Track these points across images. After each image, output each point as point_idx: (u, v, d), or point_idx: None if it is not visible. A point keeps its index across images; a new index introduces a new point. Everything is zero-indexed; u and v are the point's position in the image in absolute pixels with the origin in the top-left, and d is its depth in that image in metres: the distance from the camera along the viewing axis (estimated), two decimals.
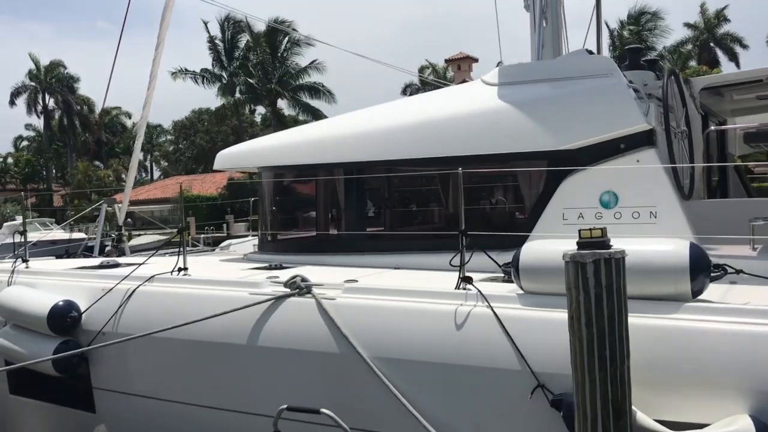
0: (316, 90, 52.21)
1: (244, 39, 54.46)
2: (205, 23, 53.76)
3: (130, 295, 6.89)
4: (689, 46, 56.73)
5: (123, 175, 72.97)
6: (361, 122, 7.98)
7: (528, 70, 7.42)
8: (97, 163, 70.32)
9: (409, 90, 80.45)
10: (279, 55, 52.87)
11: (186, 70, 54.32)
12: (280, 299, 6.04)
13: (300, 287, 6.02)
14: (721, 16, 58.89)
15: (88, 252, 13.29)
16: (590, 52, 7.93)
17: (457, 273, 5.53)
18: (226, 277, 6.84)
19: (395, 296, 5.64)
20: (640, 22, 46.93)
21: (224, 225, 42.43)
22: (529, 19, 10.32)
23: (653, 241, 5.02)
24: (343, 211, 7.92)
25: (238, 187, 54.94)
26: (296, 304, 5.97)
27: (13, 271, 8.23)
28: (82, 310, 7.07)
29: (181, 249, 7.18)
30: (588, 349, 4.07)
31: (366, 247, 7.53)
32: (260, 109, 68.39)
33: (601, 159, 6.33)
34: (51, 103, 72.44)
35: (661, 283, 4.75)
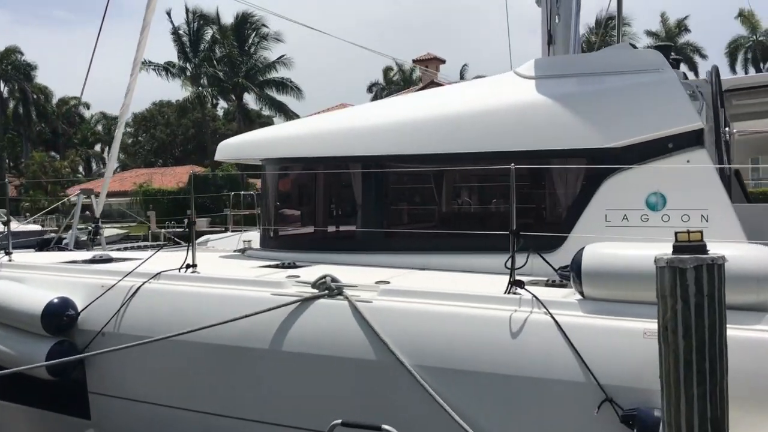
0: (284, 85, 51.44)
1: (210, 32, 53.39)
2: (168, 13, 52.61)
3: (134, 293, 6.35)
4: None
5: (80, 167, 71.32)
6: (383, 114, 7.53)
7: (567, 64, 7.06)
8: (53, 154, 68.44)
9: (374, 89, 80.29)
10: (246, 48, 51.97)
11: (150, 62, 53.06)
12: (307, 301, 5.57)
13: (330, 288, 5.57)
14: (681, 26, 59.81)
15: (60, 246, 12.60)
16: (634, 47, 7.60)
17: (487, 275, 5.16)
18: (241, 276, 6.34)
19: (439, 300, 5.22)
20: (608, 27, 47.10)
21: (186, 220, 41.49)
22: (541, 15, 10.06)
23: (729, 246, 4.69)
24: (360, 207, 7.45)
25: (201, 181, 53.99)
26: (326, 306, 5.52)
27: (2, 264, 7.60)
28: (80, 308, 6.51)
29: (191, 243, 6.65)
30: (685, 363, 3.71)
31: (387, 246, 7.07)
32: (222, 104, 67.40)
33: (648, 158, 5.99)
34: (5, 91, 70.18)
35: (741, 292, 4.42)
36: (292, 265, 7.03)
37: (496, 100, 6.78)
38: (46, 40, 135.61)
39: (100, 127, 78.14)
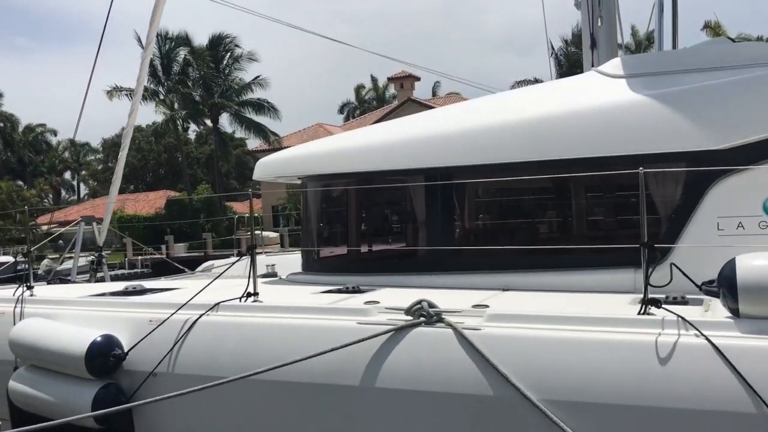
0: (261, 106, 50.69)
1: (182, 53, 52.54)
2: (138, 37, 51.68)
3: (190, 328, 5.64)
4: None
5: (50, 195, 69.58)
6: (447, 123, 6.93)
7: (660, 60, 6.54)
8: (20, 183, 66.81)
9: (346, 109, 79.90)
10: (221, 69, 51.21)
11: (121, 87, 52.02)
12: (403, 330, 4.91)
13: (429, 314, 4.91)
14: (651, 38, 60.32)
15: (63, 278, 11.77)
16: (732, 41, 7.11)
17: (589, 294, 4.55)
18: (316, 304, 5.67)
19: (562, 324, 4.59)
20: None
21: (164, 246, 40.43)
22: (580, 17, 9.61)
23: None
24: (424, 224, 6.82)
25: (177, 206, 52.89)
26: (425, 335, 4.86)
27: (19, 301, 6.83)
28: (126, 346, 5.79)
29: (252, 269, 5.95)
30: None
31: (459, 265, 6.45)
32: (193, 127, 66.43)
33: (763, 159, 5.46)
34: None
35: None
36: (357, 290, 6.37)
37: (583, 102, 6.21)
38: (9, 69, 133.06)
39: (68, 154, 76.58)
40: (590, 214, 6.40)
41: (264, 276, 9.97)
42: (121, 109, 52.07)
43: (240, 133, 58.55)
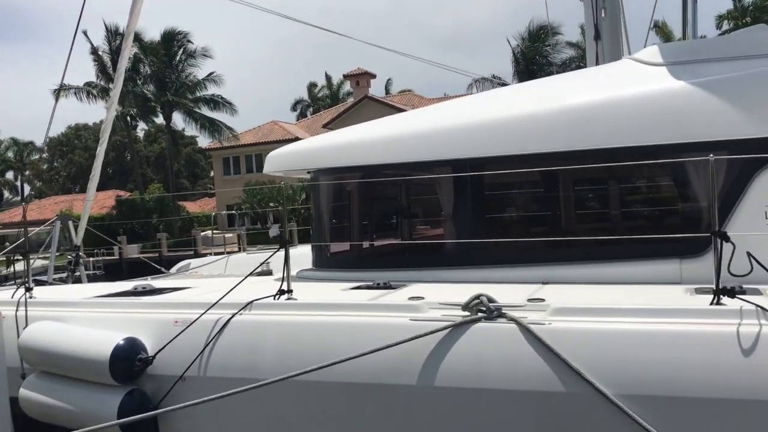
0: (215, 102, 49.74)
1: (132, 50, 51.19)
2: (85, 33, 50.19)
3: (222, 328, 5.32)
4: (573, 66, 58.41)
5: None
6: (474, 113, 6.71)
7: (698, 48, 6.40)
8: None
9: (299, 106, 79.24)
10: (174, 65, 50.10)
11: (69, 86, 50.45)
12: (462, 326, 4.68)
13: (489, 309, 4.70)
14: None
15: (38, 279, 11.25)
16: None
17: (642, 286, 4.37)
18: (364, 301, 5.39)
19: (633, 317, 4.41)
20: (541, 37, 47.69)
21: (117, 246, 39.37)
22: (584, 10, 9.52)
23: None
24: (452, 217, 6.60)
25: (127, 206, 51.60)
26: (486, 331, 4.64)
27: (22, 303, 6.38)
28: (150, 349, 5.44)
29: (286, 265, 5.63)
30: None
31: (493, 259, 6.24)
32: (141, 125, 65.01)
33: None
34: None
35: None
36: (388, 286, 6.11)
37: (626, 90, 6.06)
38: None
39: (11, 154, 74.06)
40: (633, 204, 6.26)
41: (259, 274, 9.64)
42: (66, 107, 50.57)
43: (194, 131, 57.60)
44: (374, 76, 57.78)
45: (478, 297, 4.75)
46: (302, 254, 7.96)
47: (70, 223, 11.96)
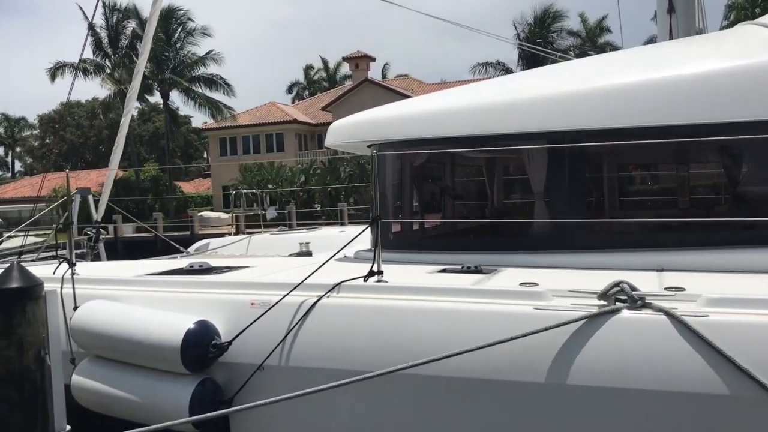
0: (213, 82, 48.78)
1: (130, 26, 50.15)
2: (80, 7, 49.10)
3: (308, 311, 4.70)
4: (572, 54, 57.72)
5: None
6: (572, 82, 6.06)
7: None
8: None
9: (295, 89, 78.23)
10: (173, 43, 49.08)
11: (64, 63, 49.35)
12: (599, 317, 4.09)
13: (632, 298, 4.10)
14: (602, 27, 60.50)
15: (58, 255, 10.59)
16: None
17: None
18: (463, 287, 4.76)
19: None
20: (546, 23, 47.10)
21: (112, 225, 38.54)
22: None
23: None
24: (545, 195, 5.98)
25: (123, 185, 50.63)
26: (631, 323, 4.02)
27: (67, 279, 5.73)
28: (224, 334, 4.81)
29: (377, 244, 5.00)
30: None
31: (596, 242, 5.64)
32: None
33: None
34: None
35: None
36: (478, 270, 5.50)
37: (755, 58, 5.44)
38: None
39: (1, 129, 72.73)
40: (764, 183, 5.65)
41: (298, 255, 8.99)
42: (59, 84, 49.38)
43: (191, 110, 56.70)
44: (374, 59, 57.02)
45: (618, 284, 4.15)
46: (347, 236, 7.35)
47: (90, 198, 11.27)
